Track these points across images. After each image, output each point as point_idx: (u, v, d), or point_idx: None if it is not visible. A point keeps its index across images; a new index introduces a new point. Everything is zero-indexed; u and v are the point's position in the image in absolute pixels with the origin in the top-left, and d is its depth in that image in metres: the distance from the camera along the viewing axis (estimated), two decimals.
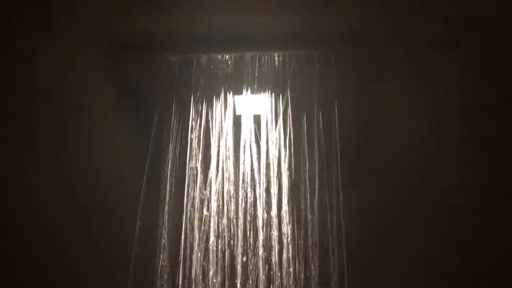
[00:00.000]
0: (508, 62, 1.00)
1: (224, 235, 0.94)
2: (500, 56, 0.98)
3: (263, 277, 0.92)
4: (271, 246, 0.95)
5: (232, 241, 0.94)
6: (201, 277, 0.93)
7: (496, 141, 1.13)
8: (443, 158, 1.18)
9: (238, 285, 0.93)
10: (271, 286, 0.90)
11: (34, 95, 1.04)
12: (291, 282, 0.91)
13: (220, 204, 0.93)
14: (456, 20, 0.95)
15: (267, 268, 0.93)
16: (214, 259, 0.92)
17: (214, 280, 0.91)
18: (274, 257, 0.93)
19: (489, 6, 0.92)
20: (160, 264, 0.93)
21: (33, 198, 1.28)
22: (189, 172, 0.94)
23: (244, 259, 0.92)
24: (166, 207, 0.94)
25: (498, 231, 1.40)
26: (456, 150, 1.17)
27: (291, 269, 0.92)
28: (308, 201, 0.94)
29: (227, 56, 0.93)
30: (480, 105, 1.07)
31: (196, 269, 0.92)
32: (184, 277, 0.92)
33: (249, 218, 0.95)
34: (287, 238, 0.92)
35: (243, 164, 0.92)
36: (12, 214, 1.34)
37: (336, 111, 0.94)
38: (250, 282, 0.91)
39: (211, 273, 0.92)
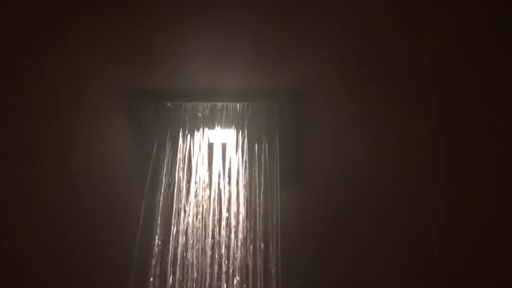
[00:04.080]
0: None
1: (198, 231, 1.31)
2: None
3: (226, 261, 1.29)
4: (229, 237, 1.29)
5: (203, 235, 1.31)
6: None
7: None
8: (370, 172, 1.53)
9: (208, 268, 1.30)
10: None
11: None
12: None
13: (198, 202, 1.35)
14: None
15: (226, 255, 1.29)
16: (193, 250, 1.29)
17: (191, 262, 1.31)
18: (231, 247, 1.30)
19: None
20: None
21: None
22: (177, 182, 1.34)
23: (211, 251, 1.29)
24: (160, 207, 1.34)
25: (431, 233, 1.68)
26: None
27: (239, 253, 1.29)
28: (257, 200, 1.33)
29: (205, 104, 1.31)
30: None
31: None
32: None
33: (216, 215, 1.33)
34: (242, 228, 1.35)
35: (214, 176, 1.33)
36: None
37: (277, 142, 1.34)
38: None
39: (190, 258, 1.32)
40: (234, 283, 1.24)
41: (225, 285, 1.24)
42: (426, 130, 1.40)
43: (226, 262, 1.25)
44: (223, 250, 1.24)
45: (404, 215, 1.63)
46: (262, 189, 1.34)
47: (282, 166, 1.39)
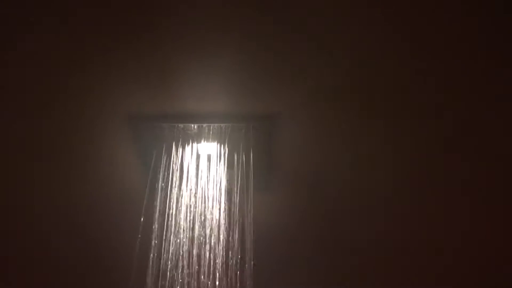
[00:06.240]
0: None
1: (188, 225, 1.64)
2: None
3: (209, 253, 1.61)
4: (212, 233, 1.60)
5: (192, 227, 1.66)
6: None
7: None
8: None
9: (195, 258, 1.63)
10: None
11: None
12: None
13: (187, 200, 1.66)
14: None
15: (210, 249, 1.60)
16: (183, 242, 1.62)
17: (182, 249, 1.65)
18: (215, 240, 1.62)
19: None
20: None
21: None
22: (171, 185, 1.67)
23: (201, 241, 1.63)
24: (158, 204, 1.67)
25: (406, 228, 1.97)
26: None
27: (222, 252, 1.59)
28: (234, 199, 1.65)
29: (194, 124, 1.61)
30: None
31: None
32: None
33: (202, 211, 1.67)
34: (222, 221, 1.66)
35: (200, 181, 1.65)
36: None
37: (251, 154, 1.65)
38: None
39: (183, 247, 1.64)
40: (216, 275, 1.56)
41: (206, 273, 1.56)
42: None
43: (209, 251, 1.58)
44: (207, 238, 1.57)
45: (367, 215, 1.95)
46: (238, 191, 1.66)
47: (257, 173, 1.72)
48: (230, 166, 1.68)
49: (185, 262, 1.58)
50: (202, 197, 1.64)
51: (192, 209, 1.62)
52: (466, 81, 1.53)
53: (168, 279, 1.54)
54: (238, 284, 1.54)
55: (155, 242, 1.60)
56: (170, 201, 1.63)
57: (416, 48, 1.46)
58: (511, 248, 1.95)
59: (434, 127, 1.66)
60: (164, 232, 1.60)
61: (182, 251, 1.59)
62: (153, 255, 1.59)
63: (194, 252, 1.59)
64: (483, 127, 1.64)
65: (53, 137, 1.71)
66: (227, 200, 1.65)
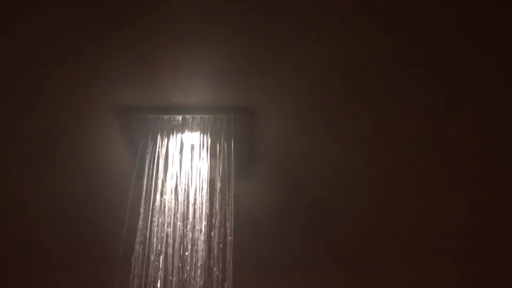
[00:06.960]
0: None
1: (171, 212, 1.73)
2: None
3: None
4: (195, 217, 1.67)
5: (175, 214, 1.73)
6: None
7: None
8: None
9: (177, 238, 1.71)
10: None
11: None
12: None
13: (172, 186, 1.73)
14: None
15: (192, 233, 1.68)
16: (166, 225, 1.70)
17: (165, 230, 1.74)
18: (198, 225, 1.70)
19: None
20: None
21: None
22: (157, 171, 1.76)
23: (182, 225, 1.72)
24: (144, 192, 1.74)
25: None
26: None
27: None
28: (216, 186, 1.74)
29: (178, 116, 1.67)
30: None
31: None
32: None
33: (186, 196, 1.75)
34: (205, 206, 1.74)
35: (184, 170, 1.74)
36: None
37: (232, 143, 1.74)
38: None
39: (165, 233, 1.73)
40: (199, 255, 1.66)
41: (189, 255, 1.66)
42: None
43: (191, 232, 1.68)
44: (189, 220, 1.68)
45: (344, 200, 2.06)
46: (220, 179, 1.76)
47: (239, 162, 1.81)
48: (213, 155, 1.77)
49: (169, 249, 1.66)
50: (185, 185, 1.73)
51: (175, 196, 1.71)
52: (463, 80, 1.58)
53: (152, 264, 1.64)
54: (220, 273, 1.63)
55: (139, 232, 1.67)
56: (155, 190, 1.71)
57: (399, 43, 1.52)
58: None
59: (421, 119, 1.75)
60: (149, 220, 1.68)
61: (166, 238, 1.67)
62: (138, 246, 1.66)
63: (177, 239, 1.67)
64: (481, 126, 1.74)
65: (39, 129, 1.79)
66: (209, 188, 1.74)
